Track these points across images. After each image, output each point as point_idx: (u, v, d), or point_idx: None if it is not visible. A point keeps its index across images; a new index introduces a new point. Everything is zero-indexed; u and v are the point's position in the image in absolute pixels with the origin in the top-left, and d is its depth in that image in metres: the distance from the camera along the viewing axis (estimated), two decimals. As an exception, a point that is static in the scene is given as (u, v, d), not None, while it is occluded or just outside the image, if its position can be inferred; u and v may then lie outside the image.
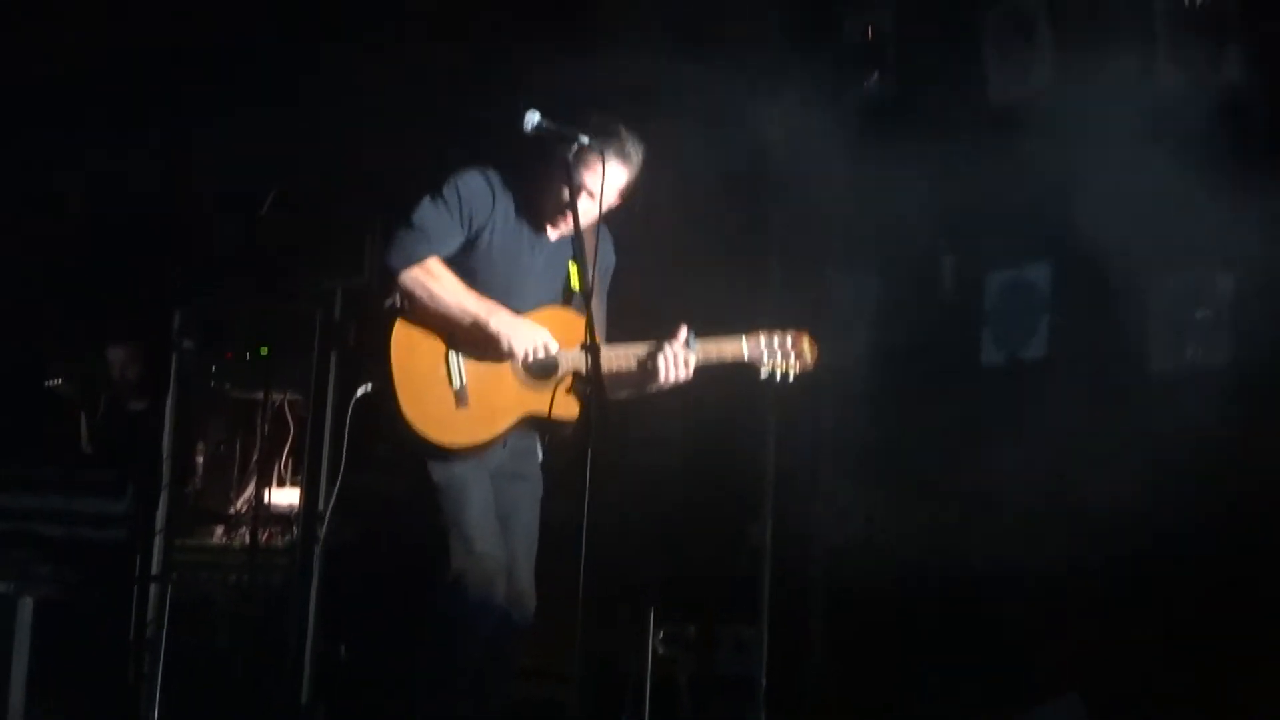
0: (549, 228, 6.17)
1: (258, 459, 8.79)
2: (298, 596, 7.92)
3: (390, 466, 6.23)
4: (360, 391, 6.03)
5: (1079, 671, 7.48)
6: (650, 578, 8.29)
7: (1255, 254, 7.14)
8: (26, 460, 8.51)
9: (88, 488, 8.37)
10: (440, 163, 6.25)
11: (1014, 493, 7.50)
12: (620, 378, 6.06)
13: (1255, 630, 7.09)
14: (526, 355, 6.00)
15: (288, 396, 8.71)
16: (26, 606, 7.49)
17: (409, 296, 5.96)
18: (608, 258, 6.33)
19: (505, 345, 5.97)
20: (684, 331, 6.08)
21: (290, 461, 8.75)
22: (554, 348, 6.05)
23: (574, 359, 5.98)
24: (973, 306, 8.38)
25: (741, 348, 6.20)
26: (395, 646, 7.51)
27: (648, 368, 6.07)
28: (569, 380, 6.07)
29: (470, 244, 6.06)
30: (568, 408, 6.05)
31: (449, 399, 5.99)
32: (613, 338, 6.19)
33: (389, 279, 5.97)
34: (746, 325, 6.25)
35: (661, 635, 8.20)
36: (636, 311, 6.36)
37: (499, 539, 6.05)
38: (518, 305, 6.05)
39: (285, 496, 8.67)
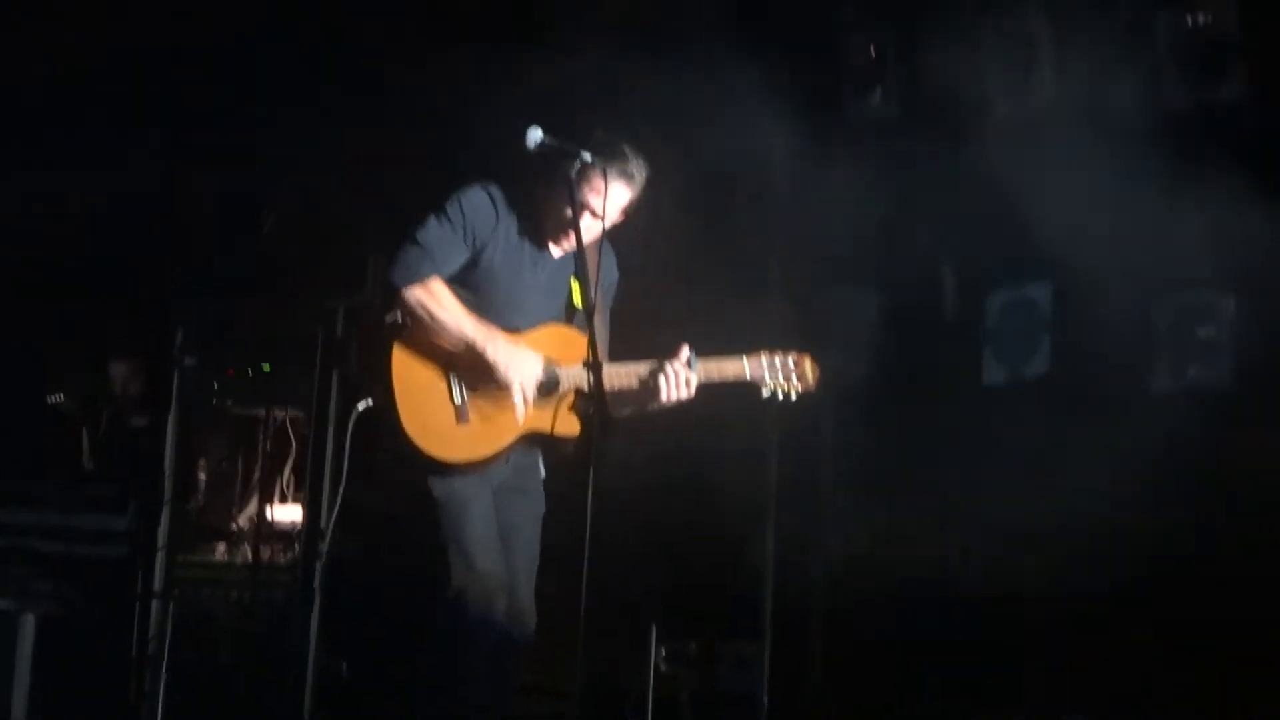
0: (552, 244, 6.16)
1: (260, 475, 8.79)
2: (300, 613, 7.91)
3: (391, 482, 6.21)
4: (361, 406, 6.03)
5: (1079, 690, 7.49)
6: (652, 594, 8.30)
7: (1257, 273, 7.14)
8: (28, 476, 8.50)
9: (89, 504, 8.35)
10: (443, 179, 6.25)
11: (1015, 511, 7.49)
12: (622, 396, 6.05)
13: (1254, 647, 7.09)
14: (523, 388, 5.99)
15: (290, 413, 8.71)
16: (28, 623, 7.51)
17: (410, 315, 5.96)
18: (611, 274, 6.33)
19: (502, 375, 5.96)
20: (685, 351, 6.08)
21: (292, 478, 8.75)
22: (531, 392, 6.04)
23: (576, 376, 5.98)
24: (974, 325, 8.39)
25: (743, 367, 6.20)
26: (397, 663, 7.53)
27: (649, 386, 6.06)
28: (571, 397, 6.07)
29: (473, 260, 6.05)
30: (569, 425, 6.05)
31: (450, 414, 5.98)
32: (615, 355, 6.18)
33: (392, 295, 5.96)
34: (748, 344, 6.25)
35: (663, 652, 8.21)
36: (638, 330, 6.35)
37: (500, 556, 6.04)
38: (520, 322, 6.06)
39: (287, 513, 8.67)
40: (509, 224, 6.10)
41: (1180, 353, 7.58)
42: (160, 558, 8.23)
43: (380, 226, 7.29)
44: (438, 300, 5.94)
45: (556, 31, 7.98)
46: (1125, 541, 7.22)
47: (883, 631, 8.23)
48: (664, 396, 6.04)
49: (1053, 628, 7.69)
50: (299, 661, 7.89)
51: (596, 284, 5.94)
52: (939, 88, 8.17)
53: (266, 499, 8.70)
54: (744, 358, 6.20)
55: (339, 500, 6.37)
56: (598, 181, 5.93)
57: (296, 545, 8.30)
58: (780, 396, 6.20)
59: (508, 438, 6.06)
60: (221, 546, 8.79)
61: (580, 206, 5.94)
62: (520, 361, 5.98)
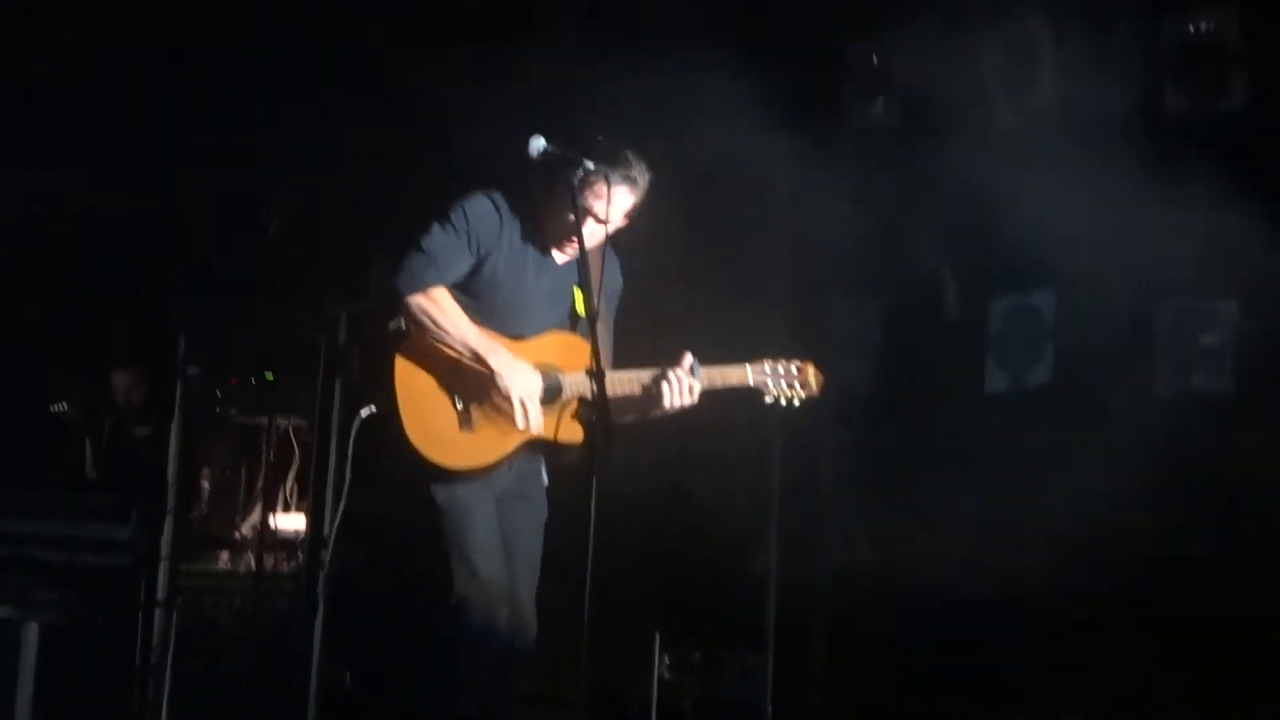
0: (555, 250, 6.16)
1: (263, 484, 8.80)
2: (303, 621, 7.92)
3: (394, 489, 6.20)
4: (364, 413, 6.02)
5: (1082, 695, 7.48)
6: (655, 602, 8.30)
7: (1258, 278, 7.15)
8: (31, 485, 8.52)
9: (93, 513, 8.35)
10: (445, 185, 6.25)
11: (1018, 517, 7.49)
12: (624, 402, 6.04)
13: (1257, 651, 7.09)
14: (523, 401, 5.99)
15: (292, 422, 8.72)
16: (32, 632, 7.50)
17: (413, 322, 5.95)
18: (614, 281, 6.32)
19: (503, 386, 5.96)
20: (688, 358, 6.07)
21: (295, 487, 8.76)
22: (533, 405, 6.04)
23: (578, 384, 5.97)
24: (977, 333, 8.39)
25: (746, 374, 6.18)
26: (400, 672, 7.53)
27: (652, 393, 6.05)
28: (573, 405, 6.06)
29: (477, 267, 6.03)
30: (572, 432, 6.01)
31: (453, 421, 5.98)
32: (618, 362, 6.18)
33: (395, 302, 5.96)
34: (751, 351, 6.24)
35: (667, 661, 8.21)
36: (641, 337, 6.35)
37: (503, 563, 6.02)
38: (523, 328, 6.05)
39: (290, 522, 8.68)
40: (512, 231, 6.10)
41: (1182, 358, 7.59)
42: (163, 566, 8.23)
43: (382, 233, 7.30)
44: (441, 308, 5.93)
45: (558, 35, 7.98)
46: (1128, 546, 7.23)
47: (886, 639, 8.23)
48: (667, 403, 6.03)
49: (1055, 633, 7.69)
50: (302, 670, 7.89)
51: (599, 291, 5.95)
52: (941, 94, 8.18)
53: (269, 508, 8.71)
54: (747, 365, 6.18)
55: (341, 508, 6.35)
56: (600, 188, 5.93)
57: (300, 554, 8.31)
58: (783, 403, 6.19)
59: (510, 445, 6.05)
60: (225, 555, 8.82)
61: (583, 214, 5.93)
62: (522, 374, 5.98)
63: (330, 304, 8.17)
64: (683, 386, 6.03)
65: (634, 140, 6.06)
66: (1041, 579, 7.53)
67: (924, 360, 8.43)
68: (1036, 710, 7.59)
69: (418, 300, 5.92)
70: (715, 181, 7.99)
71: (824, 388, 6.22)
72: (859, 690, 8.36)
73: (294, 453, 8.77)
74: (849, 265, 8.62)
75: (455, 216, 6.03)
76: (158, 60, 8.92)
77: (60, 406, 9.37)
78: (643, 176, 6.04)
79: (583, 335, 5.99)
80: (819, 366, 6.22)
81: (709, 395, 6.12)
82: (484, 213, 6.07)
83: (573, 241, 5.93)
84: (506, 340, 6.01)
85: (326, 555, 7.70)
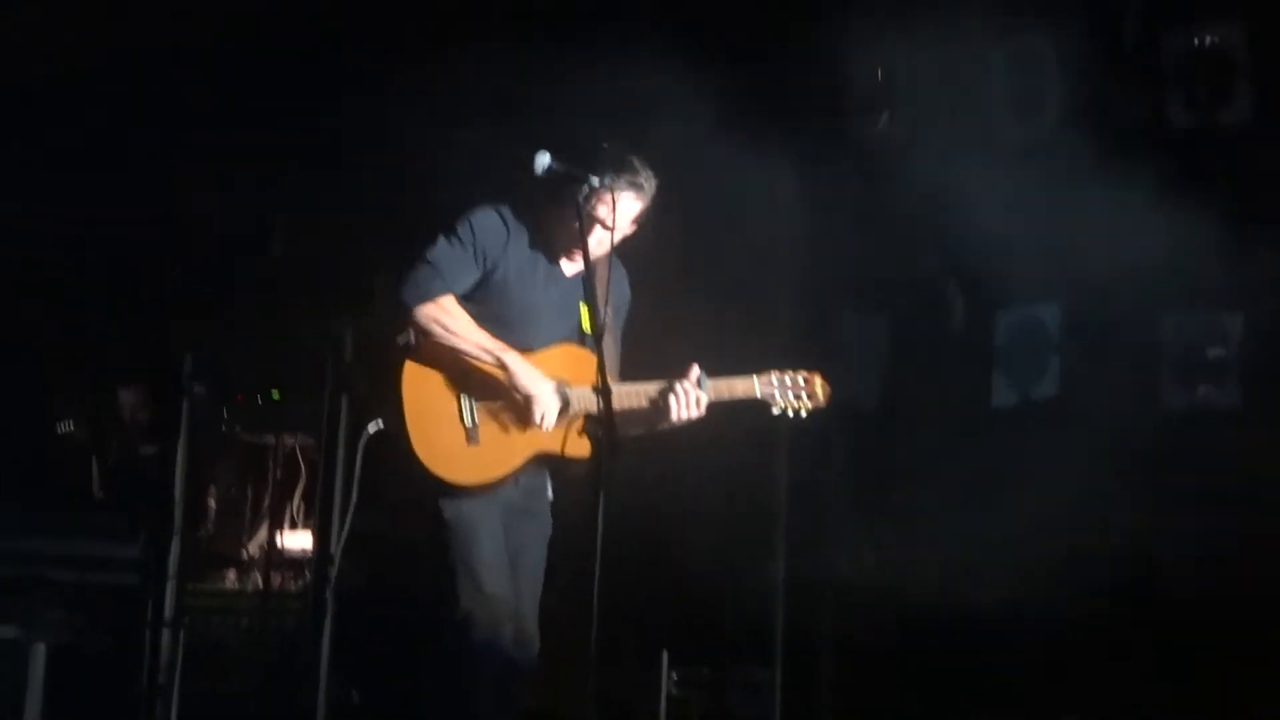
0: (565, 260, 6.17)
1: (269, 503, 8.79)
2: (310, 640, 7.90)
3: (400, 506, 6.20)
4: (371, 428, 6.02)
5: (1088, 712, 7.47)
6: (663, 617, 8.29)
7: (1264, 292, 7.15)
8: (38, 505, 8.48)
9: (99, 532, 8.31)
10: (451, 200, 6.26)
11: (1025, 534, 7.48)
12: (632, 415, 6.04)
13: (1270, 668, 7.07)
14: (542, 404, 5.99)
15: (299, 440, 8.72)
16: (39, 652, 7.48)
17: (423, 333, 5.95)
18: (622, 294, 6.32)
19: (522, 390, 5.96)
20: (695, 370, 6.07)
21: (302, 505, 8.76)
22: (552, 419, 6.04)
23: (586, 398, 5.97)
24: (983, 346, 8.39)
25: (753, 385, 6.18)
26: (407, 689, 7.52)
27: (659, 406, 6.05)
28: (580, 420, 6.06)
29: (485, 280, 6.04)
30: (579, 447, 6.03)
31: (460, 436, 5.98)
32: (626, 374, 6.18)
33: (403, 315, 5.96)
34: (757, 364, 6.25)
35: (674, 676, 8.19)
36: (648, 350, 6.35)
37: (508, 579, 6.02)
38: (532, 340, 6.05)
39: (297, 540, 8.68)
40: (520, 242, 6.11)
41: (1188, 371, 7.58)
42: (171, 586, 8.20)
43: (386, 250, 7.30)
44: (451, 316, 5.94)
45: (568, 47, 7.98)
46: (1135, 559, 7.21)
47: (893, 653, 8.22)
48: (674, 416, 6.04)
49: (1062, 646, 7.67)
50: (310, 688, 7.87)
51: (606, 303, 5.97)
52: (946, 108, 8.19)
53: (276, 526, 8.70)
54: (754, 377, 6.19)
55: (348, 523, 6.34)
56: (607, 200, 5.94)
57: (307, 572, 8.30)
58: (790, 415, 6.19)
59: (518, 460, 6.05)
60: (232, 574, 8.81)
61: (589, 228, 5.95)
62: (537, 378, 5.98)
63: (335, 322, 8.16)
64: (690, 399, 6.03)
65: (639, 146, 6.07)
66: (1049, 592, 7.52)
67: (930, 373, 8.43)
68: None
69: (426, 310, 5.92)
70: (722, 194, 7.98)
71: (831, 398, 6.23)
72: (867, 704, 8.34)
73: (300, 471, 8.78)
74: (856, 278, 8.63)
75: (461, 229, 6.04)
76: (160, 77, 8.93)
77: (66, 426, 9.36)
78: (649, 182, 6.05)
79: (591, 349, 5.99)
80: (826, 377, 6.23)
81: (716, 407, 6.12)
82: (490, 226, 6.08)
83: (580, 252, 5.94)
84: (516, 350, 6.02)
85: (332, 571, 7.70)
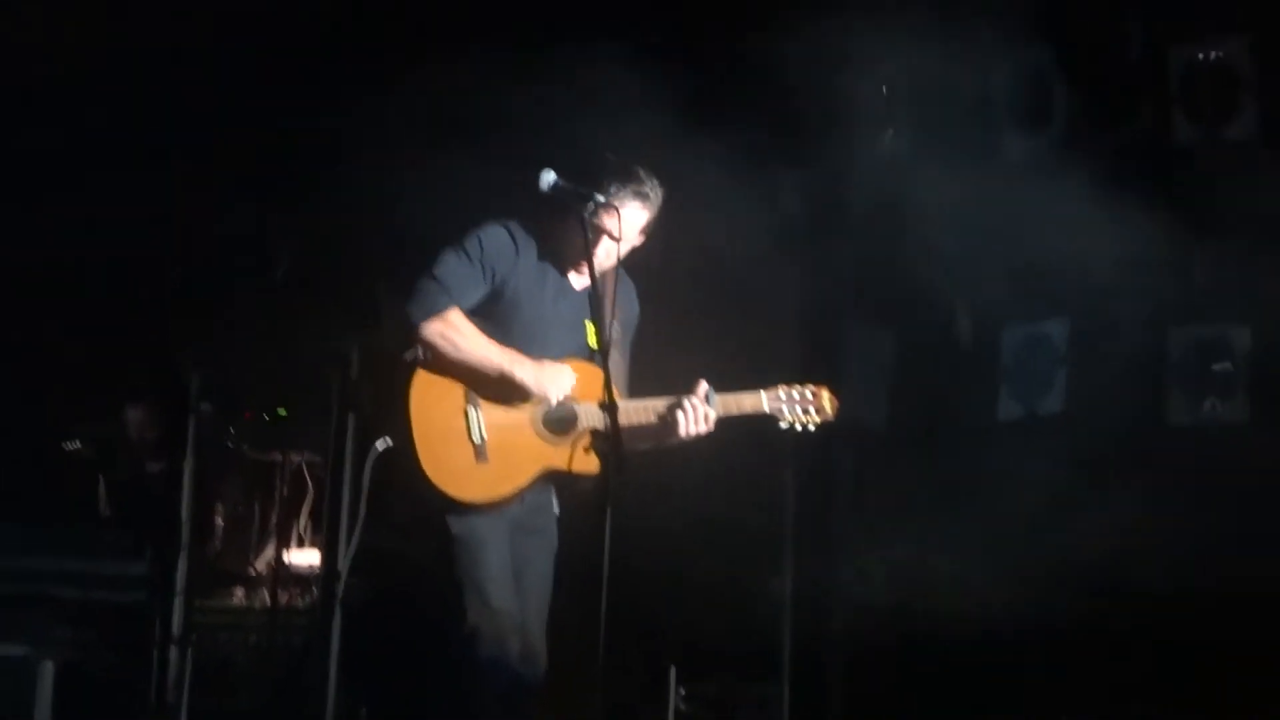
0: (574, 273, 6.18)
1: (276, 520, 8.79)
2: (318, 656, 7.90)
3: (408, 523, 6.21)
4: (380, 446, 6.03)
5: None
6: (671, 634, 8.29)
7: (1272, 305, 7.15)
8: (45, 523, 8.47)
9: (107, 550, 8.31)
10: (457, 217, 6.27)
11: (1032, 548, 7.48)
12: (639, 431, 6.05)
13: (1275, 686, 7.07)
14: (554, 400, 6.00)
15: (306, 457, 8.72)
16: (47, 670, 7.49)
17: (430, 348, 5.95)
18: (631, 309, 6.34)
19: (534, 391, 5.98)
20: (703, 386, 6.08)
21: (309, 522, 8.76)
22: (559, 390, 6.04)
23: (593, 415, 5.95)
24: (990, 361, 8.39)
25: (761, 401, 6.19)
26: (415, 705, 7.51)
27: (667, 421, 6.06)
28: (587, 436, 6.06)
29: (494, 296, 6.05)
30: (587, 463, 5.99)
31: (468, 453, 5.98)
32: (634, 390, 6.19)
33: (410, 331, 5.96)
34: (764, 380, 6.26)
35: (683, 692, 8.19)
36: (656, 365, 6.36)
37: (514, 594, 6.03)
38: (541, 353, 6.04)
39: (305, 557, 8.67)
40: (529, 258, 6.12)
41: (1195, 385, 7.58)
42: (178, 603, 8.20)
43: (392, 266, 7.30)
44: (459, 330, 5.94)
45: (576, 67, 7.99)
46: (1143, 575, 7.20)
47: (902, 669, 8.22)
48: (682, 431, 6.05)
49: (1072, 665, 7.67)
50: (318, 705, 7.87)
51: (614, 317, 5.97)
52: (951, 124, 8.20)
53: (284, 543, 8.70)
54: (762, 391, 6.20)
55: (355, 540, 6.34)
56: (613, 211, 5.95)
57: (314, 588, 8.30)
58: (798, 429, 6.20)
59: (526, 477, 6.06)
60: (239, 591, 8.80)
61: (595, 243, 5.96)
62: (551, 375, 5.99)
63: (341, 339, 8.16)
64: (698, 415, 6.04)
65: (646, 159, 6.09)
66: (1057, 607, 7.52)
67: (937, 389, 8.43)
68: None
69: (434, 325, 5.93)
70: (728, 210, 7.99)
71: (839, 412, 6.24)
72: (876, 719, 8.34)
73: (307, 488, 8.77)
74: (862, 294, 8.64)
75: (469, 244, 6.05)
76: (164, 93, 8.93)
77: (73, 444, 9.36)
78: (655, 191, 6.07)
79: (598, 365, 5.98)
80: (833, 391, 6.24)
81: (725, 424, 6.13)
82: (499, 242, 6.09)
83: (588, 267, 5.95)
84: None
85: (339, 587, 7.70)
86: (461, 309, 5.98)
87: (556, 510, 6.31)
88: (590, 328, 6.14)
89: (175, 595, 8.19)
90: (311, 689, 7.88)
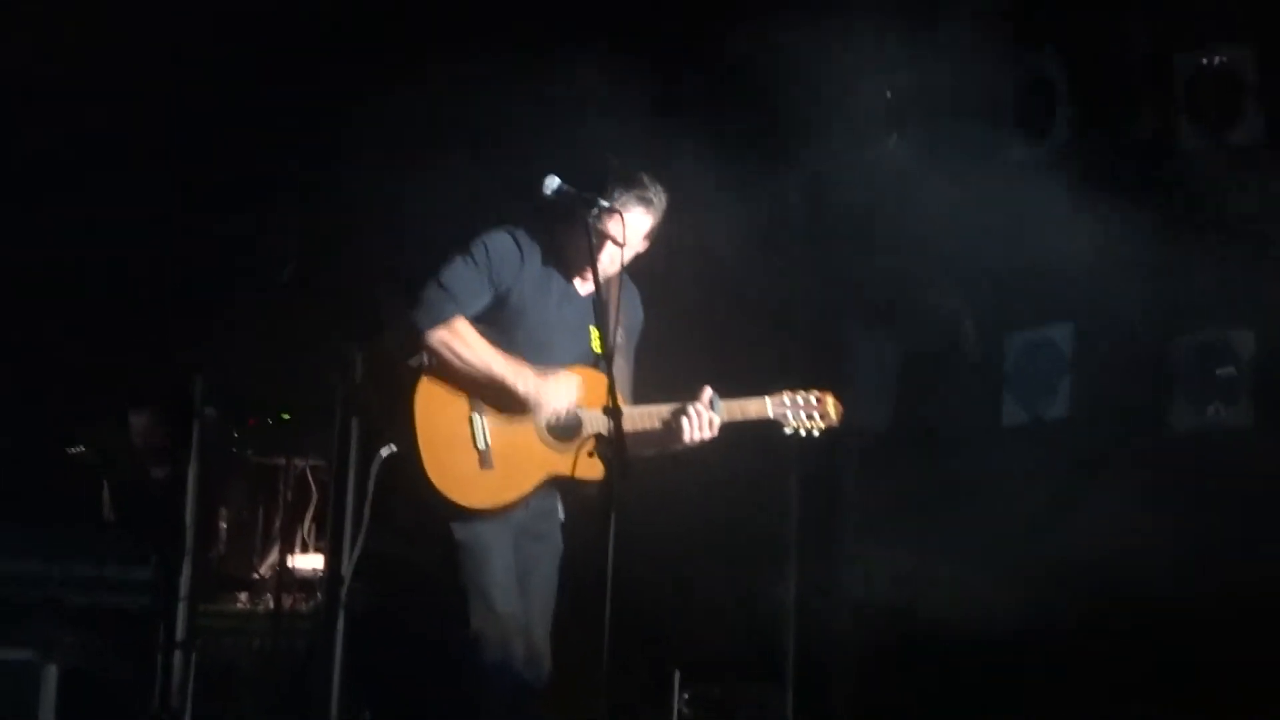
0: (579, 280, 6.18)
1: (280, 524, 8.79)
2: (322, 661, 7.89)
3: (412, 528, 6.21)
4: (384, 453, 6.03)
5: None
6: (675, 637, 8.29)
7: (1277, 310, 7.15)
8: (49, 528, 8.49)
9: (111, 555, 8.33)
10: (461, 220, 6.27)
11: (1037, 553, 7.49)
12: (644, 436, 6.06)
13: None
14: (556, 413, 6.00)
15: (310, 462, 8.73)
16: (51, 674, 7.50)
17: (435, 356, 5.96)
18: (635, 315, 6.35)
19: (535, 403, 5.97)
20: (707, 393, 6.09)
21: (313, 527, 8.76)
22: (561, 402, 6.04)
23: (598, 421, 5.96)
24: (994, 366, 8.38)
25: (766, 407, 6.21)
26: (420, 709, 7.51)
27: (672, 427, 6.08)
28: (592, 441, 6.05)
29: (499, 303, 6.07)
30: (591, 468, 5.99)
31: (473, 460, 5.98)
32: (639, 396, 6.19)
33: (416, 338, 5.97)
34: (769, 386, 6.26)
35: (686, 696, 8.19)
36: (661, 371, 6.36)
37: (518, 598, 6.05)
38: (546, 362, 6.06)
39: (309, 561, 8.68)
40: (534, 264, 6.13)
41: (1199, 390, 7.57)
42: (182, 608, 8.22)
43: (396, 272, 7.31)
44: (464, 339, 5.94)
45: (581, 73, 7.99)
46: (1150, 583, 7.19)
47: (905, 673, 8.22)
48: (687, 437, 6.06)
49: (1073, 667, 7.67)
50: (322, 710, 7.86)
51: (618, 323, 5.99)
52: (956, 130, 8.20)
53: (288, 548, 8.70)
54: (766, 397, 6.21)
55: (359, 546, 6.35)
56: (617, 220, 5.95)
57: (318, 593, 8.31)
58: (803, 434, 6.21)
59: (531, 483, 6.07)
60: (243, 595, 8.80)
61: (600, 248, 5.96)
62: (553, 389, 5.99)
63: (346, 344, 8.16)
64: (702, 421, 6.05)
65: (649, 164, 6.09)
66: (1059, 613, 7.52)
67: (941, 393, 8.43)
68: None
69: (439, 333, 5.93)
70: (732, 214, 7.99)
71: (843, 417, 6.24)
72: (879, 725, 8.35)
73: (311, 493, 8.77)
74: (866, 299, 8.64)
75: (475, 251, 6.06)
76: (164, 93, 8.93)
77: (78, 449, 9.36)
78: (659, 196, 6.08)
79: (603, 371, 5.99)
80: (838, 397, 6.24)
81: (729, 429, 6.13)
82: (504, 249, 6.09)
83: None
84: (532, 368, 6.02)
85: (343, 592, 7.70)
86: (467, 315, 5.98)
87: (561, 516, 6.31)
88: (594, 333, 6.16)
89: (179, 600, 8.20)
90: (315, 694, 7.88)
